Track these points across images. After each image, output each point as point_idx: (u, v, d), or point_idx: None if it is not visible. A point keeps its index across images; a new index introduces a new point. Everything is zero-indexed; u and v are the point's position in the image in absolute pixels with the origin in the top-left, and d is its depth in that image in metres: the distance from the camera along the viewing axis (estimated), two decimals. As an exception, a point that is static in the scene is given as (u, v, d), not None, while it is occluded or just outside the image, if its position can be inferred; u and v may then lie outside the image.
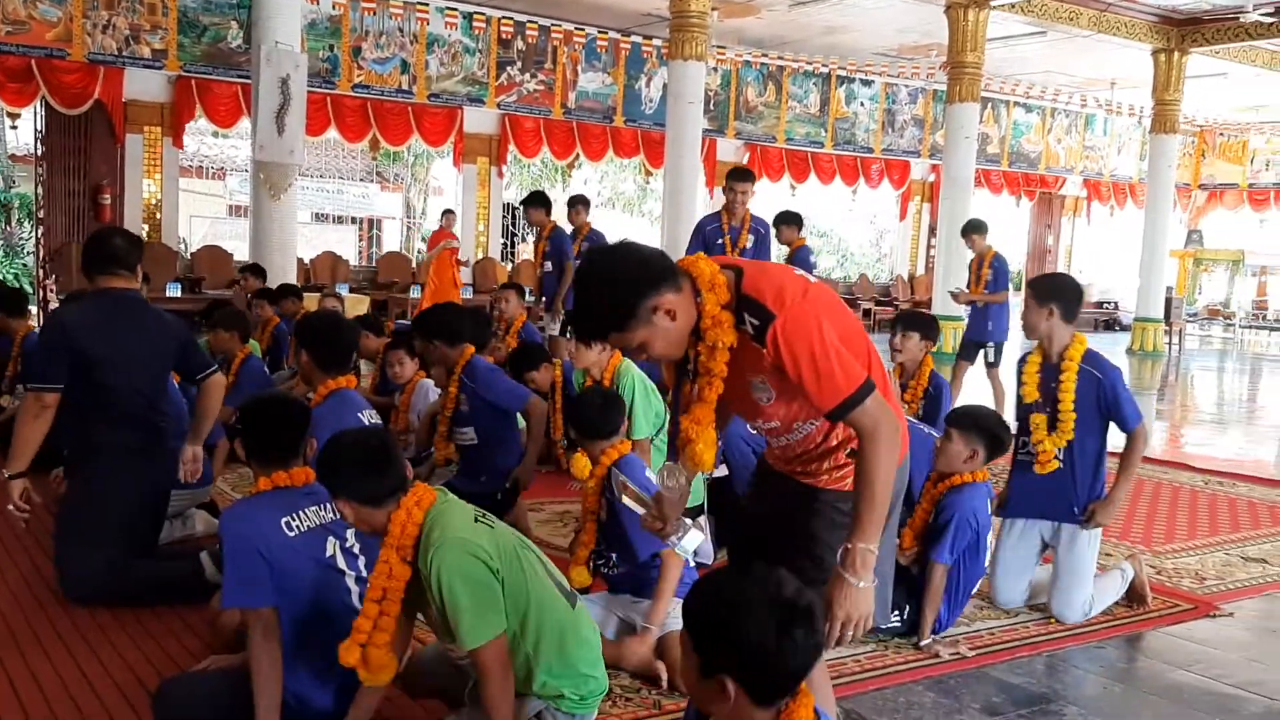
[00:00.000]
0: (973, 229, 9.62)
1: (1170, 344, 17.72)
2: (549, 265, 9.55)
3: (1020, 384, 4.46)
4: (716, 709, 1.75)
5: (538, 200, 9.83)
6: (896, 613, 3.90)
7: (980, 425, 4.10)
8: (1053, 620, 4.25)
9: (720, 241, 7.50)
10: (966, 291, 9.43)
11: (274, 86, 9.94)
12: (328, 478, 2.75)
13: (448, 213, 14.65)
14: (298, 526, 3.01)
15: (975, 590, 4.19)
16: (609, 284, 2.24)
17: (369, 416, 3.94)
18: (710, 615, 1.71)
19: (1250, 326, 22.11)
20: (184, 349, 4.27)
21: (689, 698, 1.92)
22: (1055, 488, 4.32)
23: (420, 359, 6.23)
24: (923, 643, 3.87)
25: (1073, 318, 4.32)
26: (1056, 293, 4.34)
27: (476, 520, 2.73)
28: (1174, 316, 17.80)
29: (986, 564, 4.26)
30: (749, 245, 7.56)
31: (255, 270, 9.45)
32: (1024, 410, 4.43)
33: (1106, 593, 4.34)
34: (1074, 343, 4.31)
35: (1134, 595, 4.41)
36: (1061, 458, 4.31)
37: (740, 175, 7.69)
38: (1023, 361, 4.49)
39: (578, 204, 10.16)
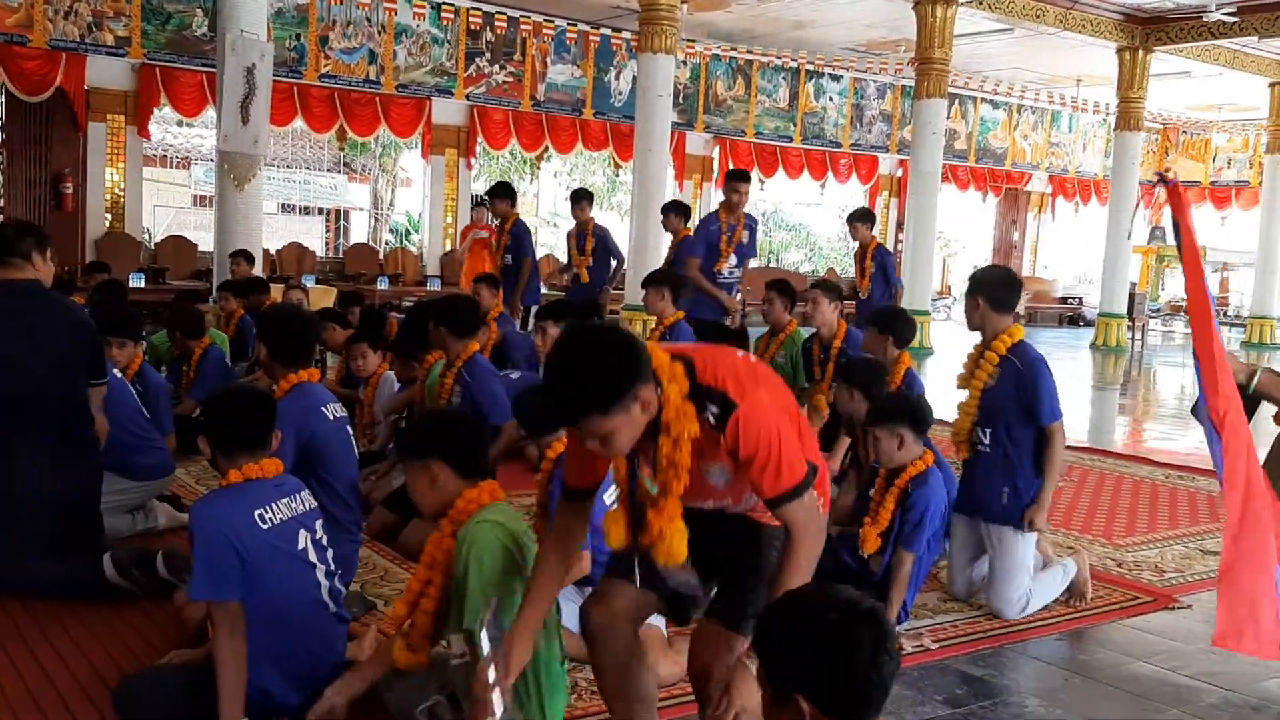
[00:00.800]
0: (858, 218, 9.81)
1: (1133, 339, 17.93)
2: (509, 259, 9.52)
3: (960, 373, 4.47)
4: None
5: (503, 191, 9.82)
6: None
7: (889, 411, 4.13)
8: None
9: (719, 240, 8.03)
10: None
11: (239, 76, 9.83)
12: (427, 437, 2.86)
13: (478, 205, 14.63)
14: (270, 519, 3.00)
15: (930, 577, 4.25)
16: (605, 365, 2.21)
17: (333, 410, 3.92)
18: (781, 632, 1.65)
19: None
20: (81, 348, 4.12)
21: None
22: (985, 484, 4.28)
23: (386, 348, 6.23)
24: None
25: (1005, 307, 4.29)
26: (981, 284, 4.36)
27: (526, 532, 2.82)
28: (1137, 312, 18.00)
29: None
30: (744, 240, 8.11)
31: (246, 256, 9.46)
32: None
33: (1047, 588, 4.35)
34: (1005, 333, 4.28)
35: (1075, 591, 4.43)
36: (989, 449, 4.26)
37: (742, 176, 8.29)
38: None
39: (581, 199, 10.08)
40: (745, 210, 8.18)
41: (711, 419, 2.33)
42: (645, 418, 2.28)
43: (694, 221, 9.80)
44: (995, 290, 4.31)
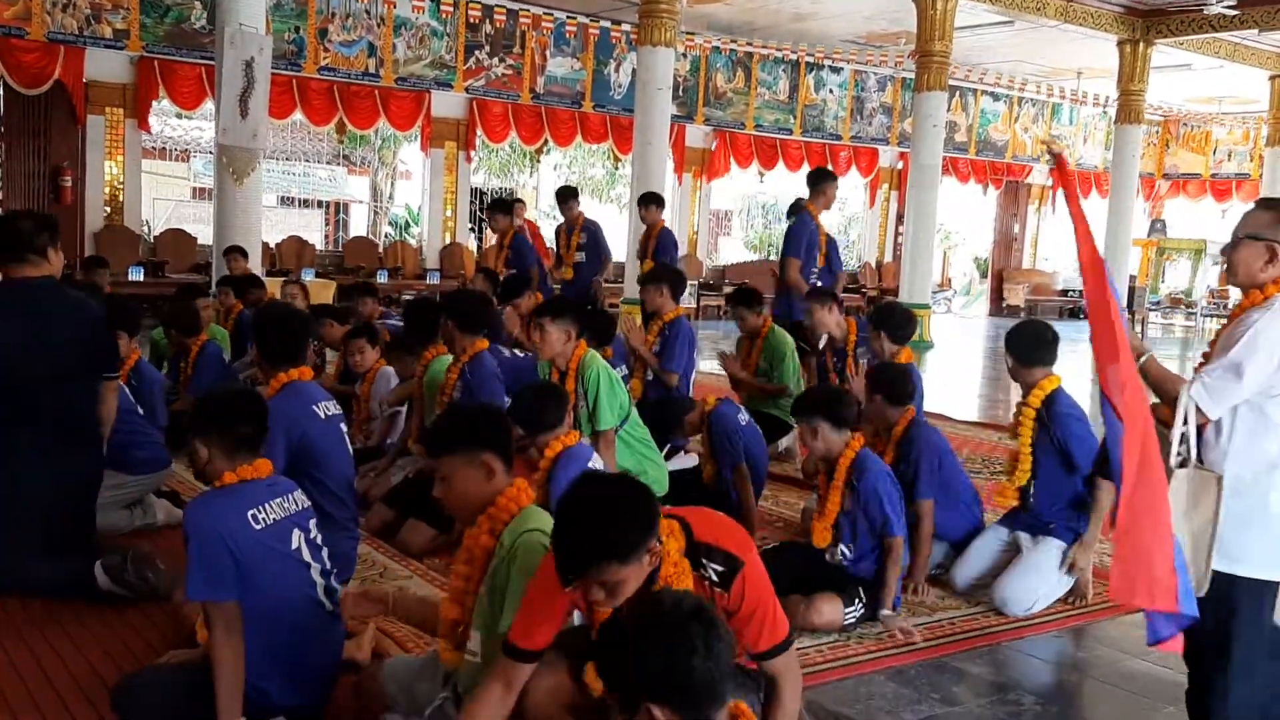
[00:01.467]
0: (650, 200, 9.65)
1: (1134, 332, 17.92)
2: (512, 272, 9.44)
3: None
4: None
5: (501, 207, 9.77)
6: (853, 606, 3.95)
7: (804, 407, 4.18)
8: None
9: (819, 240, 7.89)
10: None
11: (238, 69, 9.81)
12: (479, 429, 2.79)
13: (517, 201, 14.60)
14: (264, 519, 2.99)
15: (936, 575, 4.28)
16: (627, 514, 2.22)
17: (325, 409, 3.90)
18: (615, 649, 1.77)
19: (1211, 315, 22.39)
20: (93, 344, 4.13)
21: None
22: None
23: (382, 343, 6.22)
24: (883, 612, 3.93)
25: (1033, 361, 4.36)
26: (1009, 343, 4.41)
27: None
28: (1137, 305, 18.00)
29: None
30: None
31: (241, 252, 9.47)
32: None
33: (1055, 590, 4.37)
34: (1038, 386, 4.34)
35: (1076, 591, 4.43)
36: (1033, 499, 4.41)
37: (832, 178, 8.12)
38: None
39: (568, 197, 10.06)
40: None
41: (714, 575, 2.44)
42: (648, 570, 2.29)
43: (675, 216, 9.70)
44: (1019, 348, 4.39)
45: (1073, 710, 3.47)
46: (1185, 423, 2.74)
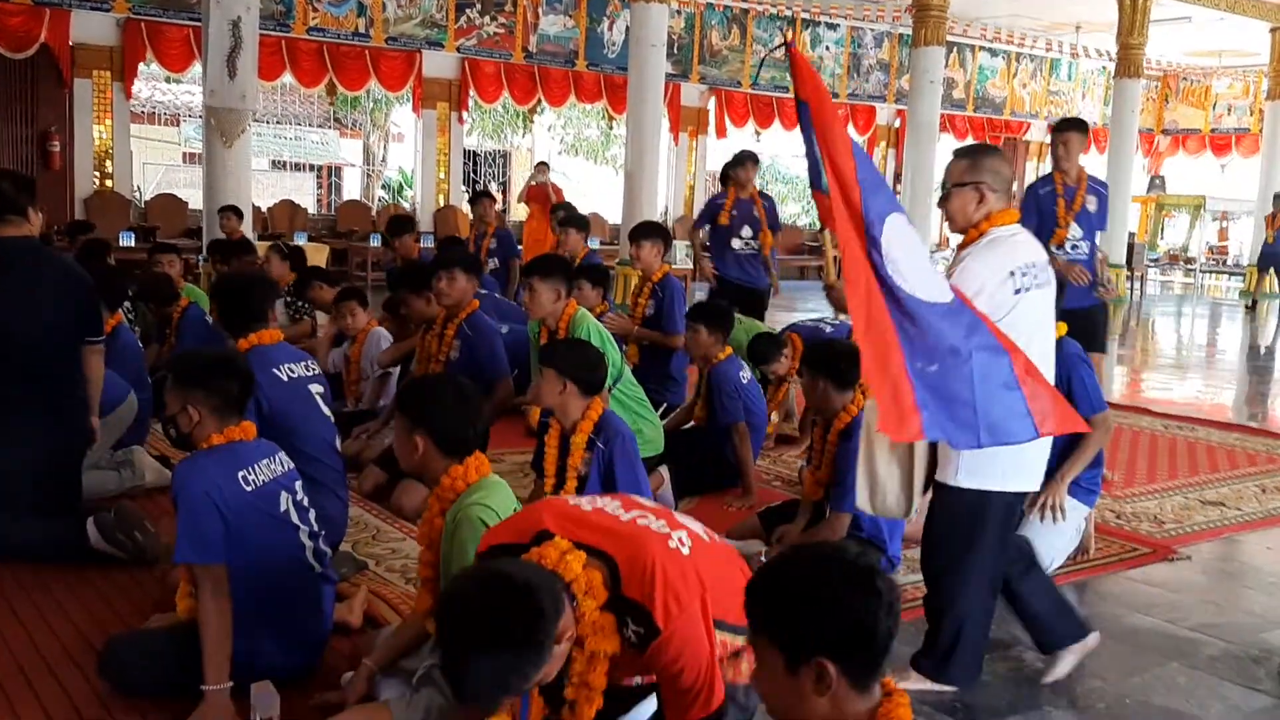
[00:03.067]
0: (483, 196, 9.09)
1: (1132, 289, 17.85)
2: (494, 262, 8.90)
3: None
4: (809, 709, 1.63)
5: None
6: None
7: (812, 360, 4.12)
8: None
9: (1055, 206, 5.88)
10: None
11: (224, 30, 9.66)
12: (416, 404, 2.80)
13: (540, 165, 14.44)
14: (254, 480, 2.96)
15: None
16: (520, 637, 1.95)
17: (288, 370, 3.79)
18: (793, 594, 1.62)
19: (1210, 271, 22.31)
20: (77, 306, 4.04)
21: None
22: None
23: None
24: None
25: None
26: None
27: (516, 510, 2.74)
28: (1136, 262, 17.90)
29: None
30: (1091, 207, 5.86)
31: (236, 212, 9.34)
32: None
33: (1069, 547, 4.32)
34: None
35: (1081, 546, 4.39)
36: None
37: (1075, 125, 6.02)
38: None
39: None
40: (1091, 175, 5.98)
41: (634, 638, 2.18)
42: (567, 647, 2.08)
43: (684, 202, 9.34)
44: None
45: (1074, 667, 3.42)
46: None
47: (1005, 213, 3.02)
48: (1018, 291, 2.92)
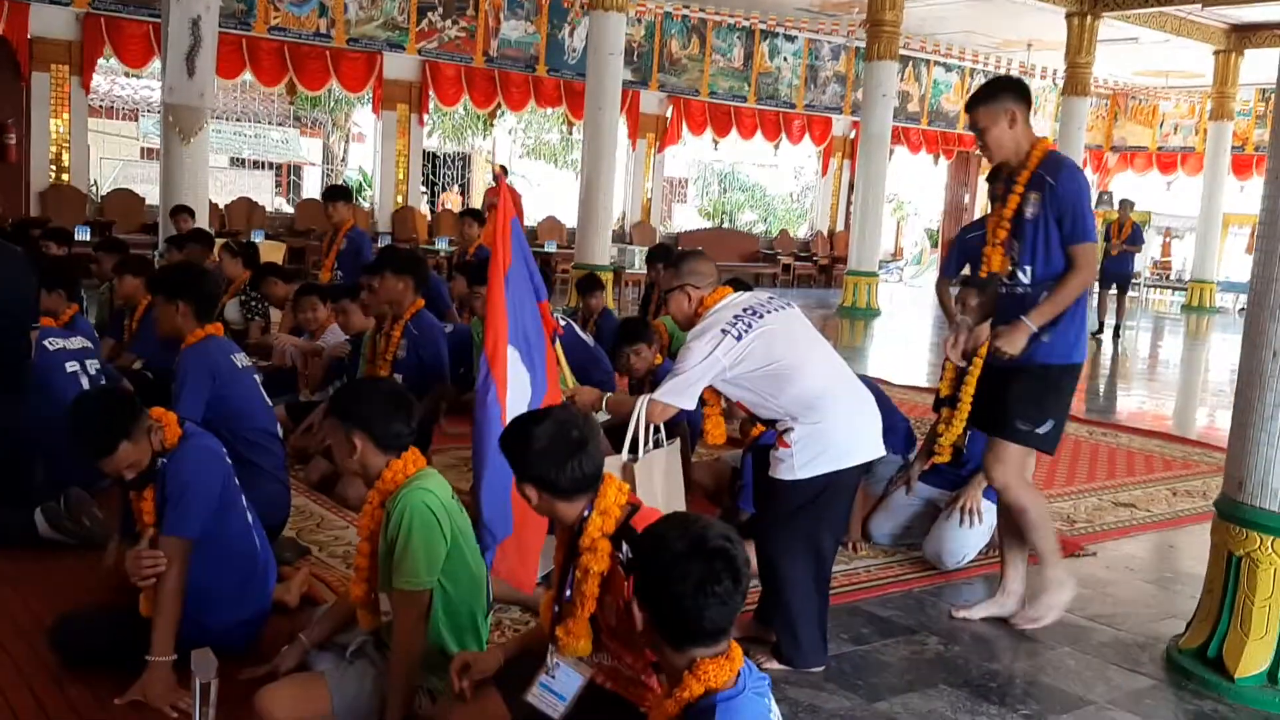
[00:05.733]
0: (334, 195, 8.30)
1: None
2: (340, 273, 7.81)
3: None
4: (663, 654, 1.91)
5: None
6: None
7: None
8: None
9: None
10: None
11: (184, 27, 9.75)
12: (351, 407, 2.85)
13: (499, 167, 14.50)
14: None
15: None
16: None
17: (239, 360, 4.06)
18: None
19: (1154, 286, 22.82)
20: (28, 292, 4.20)
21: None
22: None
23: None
24: None
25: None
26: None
27: (453, 498, 2.87)
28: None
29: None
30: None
31: (189, 211, 9.40)
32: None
33: (981, 542, 4.57)
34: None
35: (993, 542, 4.59)
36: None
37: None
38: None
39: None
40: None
41: (623, 559, 2.38)
42: (565, 512, 2.50)
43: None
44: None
45: (973, 651, 3.66)
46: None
47: (715, 294, 3.45)
48: (748, 329, 3.30)
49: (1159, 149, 23.66)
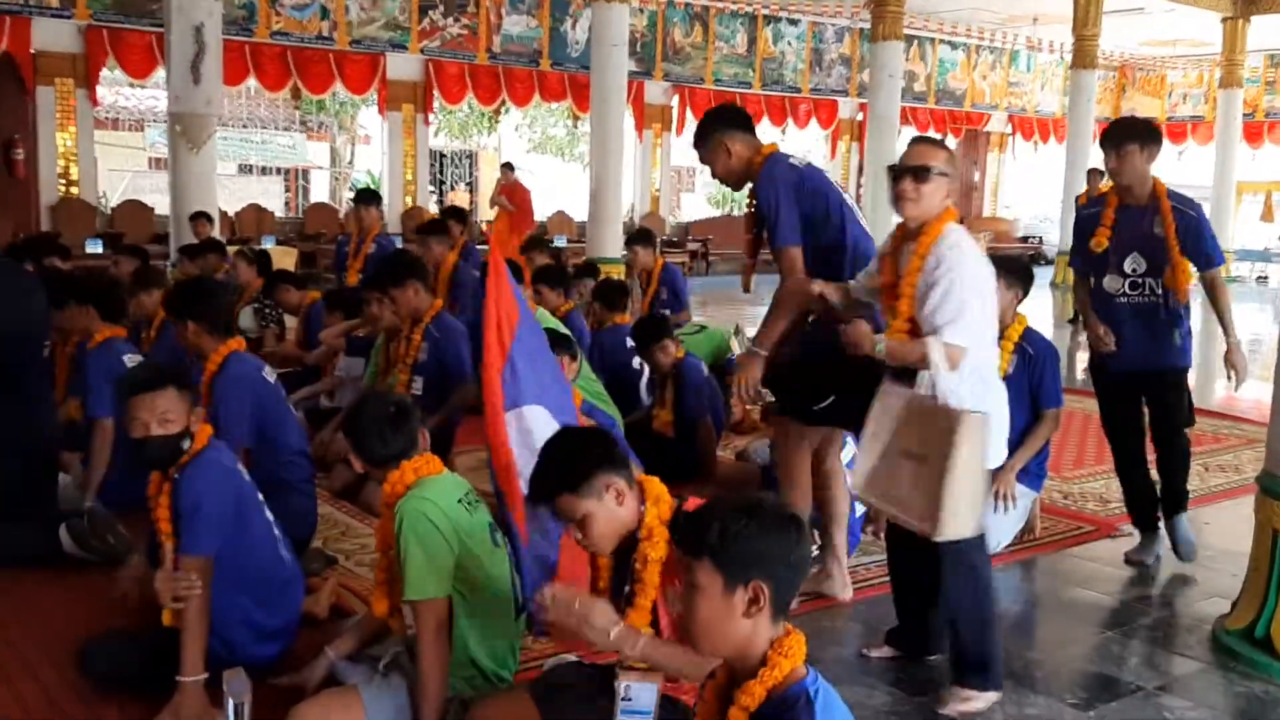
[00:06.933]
0: (366, 199, 8.47)
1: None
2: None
3: None
4: (732, 629, 1.78)
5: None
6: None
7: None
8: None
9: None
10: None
11: (187, 35, 9.71)
12: (350, 431, 2.88)
13: (505, 167, 14.45)
14: (244, 473, 3.18)
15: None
16: (578, 452, 2.48)
17: (268, 374, 3.98)
18: (741, 522, 1.78)
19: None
20: (42, 310, 4.18)
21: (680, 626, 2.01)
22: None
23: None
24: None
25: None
26: None
27: (459, 500, 2.82)
28: (1095, 250, 18.13)
29: None
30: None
31: (206, 217, 9.40)
32: None
33: (1015, 527, 4.50)
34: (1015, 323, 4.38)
35: (1026, 526, 4.57)
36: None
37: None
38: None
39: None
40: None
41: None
42: (625, 516, 2.47)
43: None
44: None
45: (1014, 636, 3.59)
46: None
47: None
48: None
49: (1168, 119, 23.45)
